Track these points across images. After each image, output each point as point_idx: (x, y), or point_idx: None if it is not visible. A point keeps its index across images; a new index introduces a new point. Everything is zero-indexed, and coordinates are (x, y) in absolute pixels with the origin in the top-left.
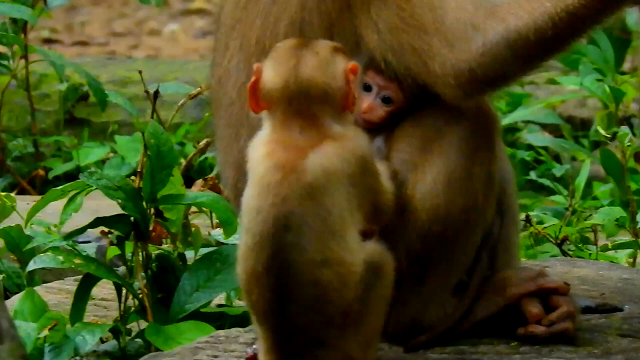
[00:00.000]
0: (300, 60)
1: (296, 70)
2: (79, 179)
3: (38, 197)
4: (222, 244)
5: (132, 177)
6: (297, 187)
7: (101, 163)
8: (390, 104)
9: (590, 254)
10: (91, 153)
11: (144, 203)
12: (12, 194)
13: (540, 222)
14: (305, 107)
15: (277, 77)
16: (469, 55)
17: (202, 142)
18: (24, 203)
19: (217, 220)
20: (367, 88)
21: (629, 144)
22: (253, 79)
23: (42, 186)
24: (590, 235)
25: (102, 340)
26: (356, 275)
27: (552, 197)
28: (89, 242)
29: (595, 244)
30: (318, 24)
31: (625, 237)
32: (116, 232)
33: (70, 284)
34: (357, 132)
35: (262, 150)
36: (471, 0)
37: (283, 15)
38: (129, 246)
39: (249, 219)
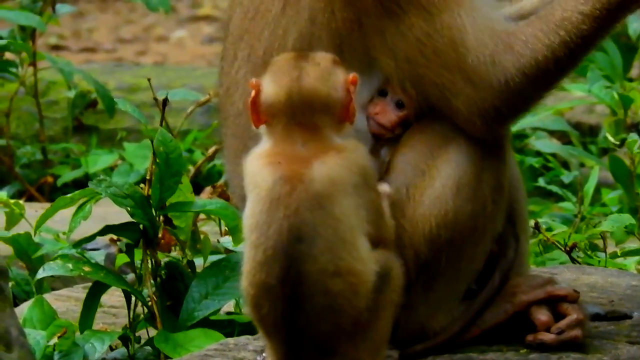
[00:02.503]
0: (302, 72)
1: (299, 81)
2: (87, 186)
3: (46, 204)
4: (231, 251)
5: (141, 185)
6: (307, 197)
7: (110, 170)
8: (403, 109)
9: (599, 261)
10: (99, 160)
11: (152, 210)
12: (21, 201)
13: (549, 229)
14: (308, 117)
15: (280, 88)
16: (492, 94)
17: (211, 149)
18: (33, 210)
19: (226, 228)
20: (382, 93)
21: (637, 150)
22: (252, 93)
23: (50, 193)
24: (599, 242)
25: (111, 348)
26: (368, 285)
27: (561, 204)
28: (97, 249)
29: (604, 251)
30: (327, 40)
31: (634, 244)
32: (125, 240)
33: (79, 292)
34: (357, 144)
35: (264, 163)
36: (489, 34)
37: (292, 29)
38: (137, 254)
39: (259, 233)
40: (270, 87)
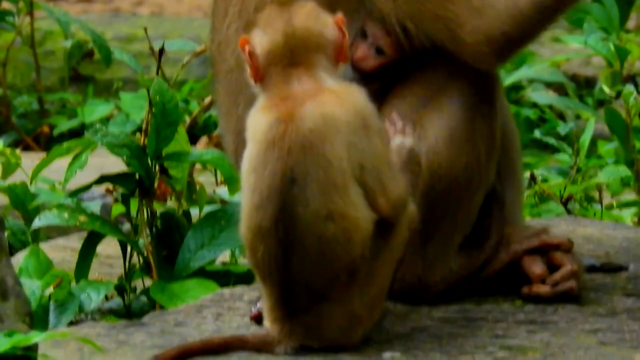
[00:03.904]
0: (291, 15)
1: (291, 22)
2: (83, 135)
3: (43, 154)
4: (227, 201)
5: (137, 134)
6: (298, 137)
7: (106, 120)
8: (383, 56)
9: (595, 212)
10: (96, 110)
11: (148, 160)
12: (17, 151)
13: (544, 181)
14: (304, 56)
15: (274, 32)
16: (500, 21)
17: (207, 100)
18: (29, 160)
19: (222, 178)
20: (363, 34)
21: (633, 102)
22: (247, 48)
23: (46, 143)
24: (595, 194)
25: (106, 298)
26: (362, 232)
27: (557, 156)
28: (93, 199)
29: (600, 203)
30: None
31: (630, 196)
32: (121, 190)
33: (75, 242)
34: (354, 87)
35: (261, 110)
36: None
37: None
38: (133, 203)
39: (256, 176)
40: (264, 36)
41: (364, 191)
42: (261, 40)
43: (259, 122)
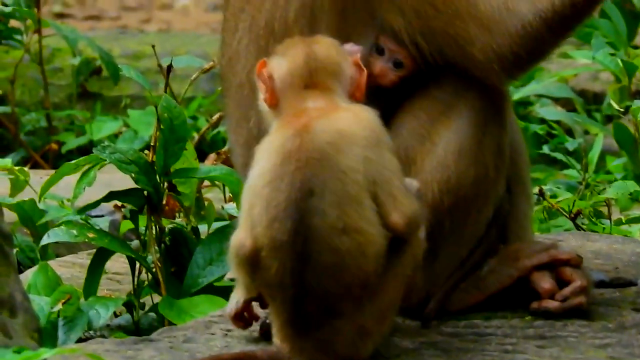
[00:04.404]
0: (313, 43)
1: (312, 49)
2: (92, 152)
3: (51, 171)
4: (235, 217)
5: (145, 151)
6: (315, 148)
7: (114, 137)
8: (402, 69)
9: (603, 227)
10: (104, 127)
11: (157, 177)
12: (26, 168)
13: (553, 196)
14: (322, 80)
15: (296, 56)
16: (510, 39)
17: (215, 116)
18: (37, 177)
19: (230, 194)
20: (380, 51)
21: None
22: (264, 72)
23: (55, 160)
24: (604, 209)
25: (115, 314)
26: (376, 246)
27: (565, 171)
28: (102, 216)
29: (609, 218)
30: (329, 7)
31: (638, 211)
32: (129, 206)
33: (84, 258)
34: (367, 107)
35: (275, 130)
36: None
37: None
38: (142, 220)
39: (271, 189)
40: (284, 60)
41: (378, 206)
42: (280, 64)
43: (272, 138)
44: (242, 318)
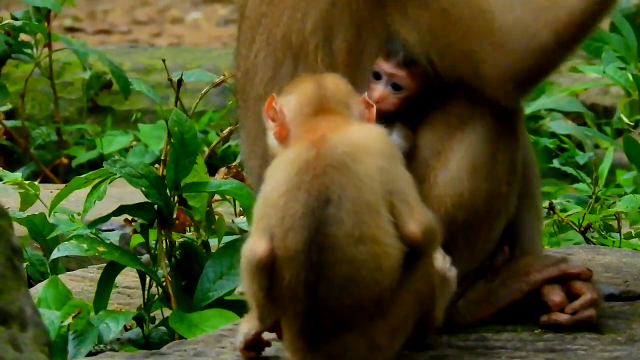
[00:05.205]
0: (322, 78)
1: (322, 80)
2: (102, 166)
3: (61, 185)
4: (246, 231)
5: (156, 165)
6: (332, 157)
7: (124, 151)
8: (401, 91)
9: (613, 241)
10: (114, 141)
11: (167, 191)
12: (36, 182)
13: (563, 210)
14: (333, 106)
15: (306, 87)
16: (521, 55)
17: (226, 130)
18: (48, 191)
19: (241, 208)
20: (377, 76)
21: None
22: (277, 106)
23: (65, 174)
24: (614, 223)
25: (125, 328)
26: (392, 259)
27: (576, 185)
28: (112, 230)
29: (619, 232)
30: (347, 21)
31: None
32: (140, 220)
33: (94, 272)
34: (380, 127)
35: (290, 150)
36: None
37: (312, 12)
38: (152, 234)
39: (287, 198)
40: (293, 93)
41: (394, 217)
42: (289, 98)
43: (287, 152)
44: (253, 348)
